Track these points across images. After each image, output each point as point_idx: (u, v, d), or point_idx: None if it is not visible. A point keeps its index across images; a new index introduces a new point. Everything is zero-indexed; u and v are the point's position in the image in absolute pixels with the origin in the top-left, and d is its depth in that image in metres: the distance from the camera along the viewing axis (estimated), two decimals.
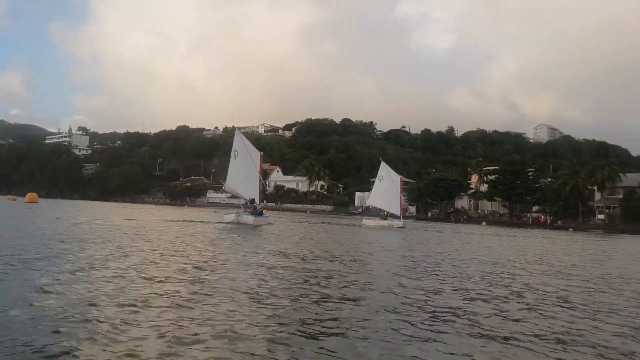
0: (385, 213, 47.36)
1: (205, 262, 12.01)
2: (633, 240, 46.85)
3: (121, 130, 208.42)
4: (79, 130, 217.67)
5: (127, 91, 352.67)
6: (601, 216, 76.89)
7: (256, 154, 37.98)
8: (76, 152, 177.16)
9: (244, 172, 36.43)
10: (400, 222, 44.90)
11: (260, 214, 35.49)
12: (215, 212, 64.31)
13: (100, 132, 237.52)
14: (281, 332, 6.26)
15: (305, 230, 32.05)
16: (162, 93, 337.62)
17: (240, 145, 37.13)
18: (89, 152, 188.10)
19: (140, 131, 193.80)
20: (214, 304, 7.49)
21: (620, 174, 76.51)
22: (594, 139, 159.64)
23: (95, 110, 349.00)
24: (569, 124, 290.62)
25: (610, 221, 73.78)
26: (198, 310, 7.03)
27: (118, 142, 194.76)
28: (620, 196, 75.49)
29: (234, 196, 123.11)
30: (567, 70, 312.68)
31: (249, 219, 32.88)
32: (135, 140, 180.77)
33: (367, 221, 47.79)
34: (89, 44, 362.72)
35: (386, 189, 47.08)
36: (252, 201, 35.15)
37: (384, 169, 47.94)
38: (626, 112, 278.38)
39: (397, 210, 46.68)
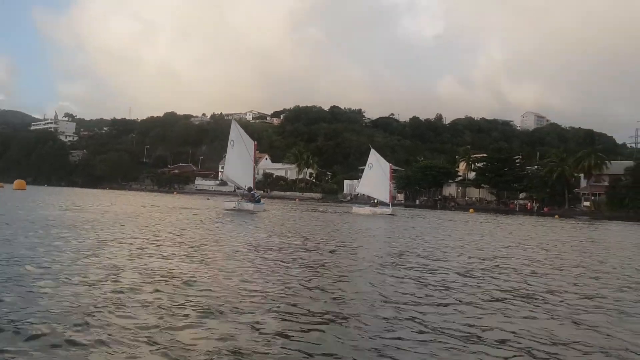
0: (375, 201, 47.66)
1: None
2: (618, 227, 47.50)
3: (108, 116, 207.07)
4: (65, 117, 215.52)
5: (113, 77, 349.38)
6: (587, 203, 77.82)
7: (250, 143, 39.27)
8: (62, 138, 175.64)
9: (239, 161, 38.14)
10: (389, 210, 45.17)
11: (258, 201, 37.54)
12: (207, 199, 64.15)
13: (87, 118, 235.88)
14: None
15: (299, 217, 33.10)
16: (149, 79, 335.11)
17: (236, 134, 38.59)
18: (76, 138, 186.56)
19: (127, 118, 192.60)
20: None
21: (606, 162, 77.42)
22: (580, 127, 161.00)
23: (81, 96, 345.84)
24: (554, 111, 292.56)
25: (595, 208, 74.71)
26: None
27: (105, 128, 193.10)
28: (606, 183, 76.41)
29: (222, 183, 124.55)
30: (553, 58, 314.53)
31: (249, 206, 35.49)
32: (122, 127, 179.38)
33: (357, 209, 48.01)
34: (72, 29, 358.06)
35: (376, 176, 47.26)
36: (250, 189, 37.47)
37: (374, 157, 48.03)
38: (611, 100, 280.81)
39: (386, 198, 46.95)
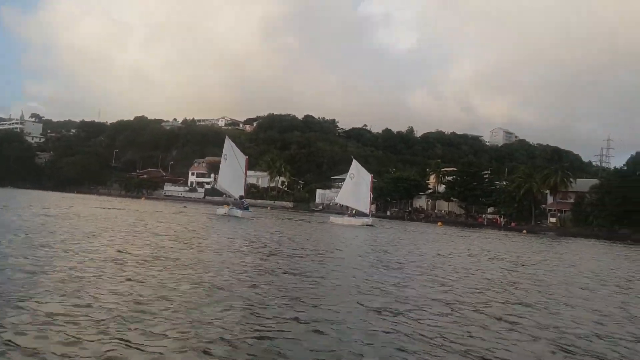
0: (353, 211, 47.93)
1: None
2: (579, 244, 48.64)
3: (77, 118, 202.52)
4: (32, 117, 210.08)
5: (82, 79, 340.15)
6: (553, 219, 79.47)
7: (242, 158, 45.22)
8: (29, 139, 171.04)
9: (232, 173, 43.68)
10: (369, 220, 45.56)
11: (247, 209, 42.78)
12: (184, 207, 63.45)
13: (55, 119, 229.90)
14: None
15: (282, 226, 34.52)
16: (119, 82, 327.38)
17: (229, 149, 44.56)
18: (43, 140, 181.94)
19: (96, 120, 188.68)
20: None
21: (572, 179, 79.29)
22: (547, 144, 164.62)
23: (49, 97, 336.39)
24: (522, 127, 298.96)
25: (561, 224, 76.38)
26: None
27: (73, 130, 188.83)
28: (572, 201, 78.17)
29: (191, 190, 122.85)
30: (521, 75, 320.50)
31: (238, 212, 40.57)
32: (91, 130, 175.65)
33: (335, 219, 48.13)
34: (40, 28, 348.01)
35: (357, 187, 47.76)
36: (241, 197, 43.00)
37: (355, 168, 48.62)
38: (577, 118, 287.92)
39: (366, 209, 47.38)
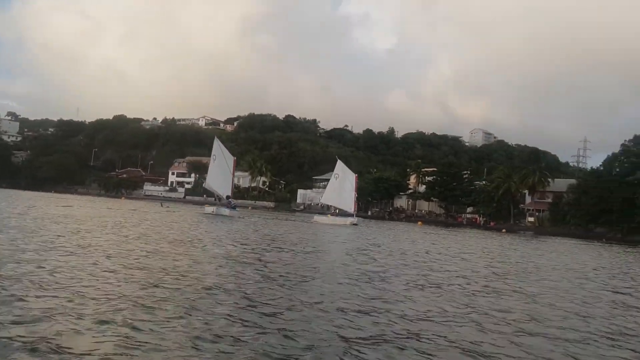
0: (337, 210, 48.23)
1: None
2: (557, 242, 49.48)
3: (54, 117, 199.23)
4: (8, 116, 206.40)
5: (58, 77, 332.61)
6: (531, 219, 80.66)
7: (230, 159, 47.24)
8: (5, 138, 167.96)
9: (220, 174, 45.70)
10: (355, 220, 45.90)
11: (234, 208, 44.99)
12: (168, 207, 63.01)
13: (32, 118, 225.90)
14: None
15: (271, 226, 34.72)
16: (96, 80, 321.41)
17: (218, 150, 46.59)
18: (19, 139, 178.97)
19: (74, 119, 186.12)
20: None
21: (550, 180, 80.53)
22: (526, 145, 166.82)
23: (25, 95, 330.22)
24: (501, 128, 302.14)
25: (539, 224, 77.55)
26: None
27: (51, 129, 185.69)
28: (549, 200, 79.43)
29: (171, 190, 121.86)
30: (499, 76, 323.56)
31: (225, 211, 42.92)
32: (69, 129, 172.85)
33: (319, 218, 48.29)
34: (12, 24, 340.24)
35: (342, 187, 48.12)
36: (228, 197, 45.14)
37: (340, 168, 48.98)
38: (553, 119, 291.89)
39: (351, 208, 47.74)
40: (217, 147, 47.28)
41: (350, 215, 47.14)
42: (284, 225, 36.28)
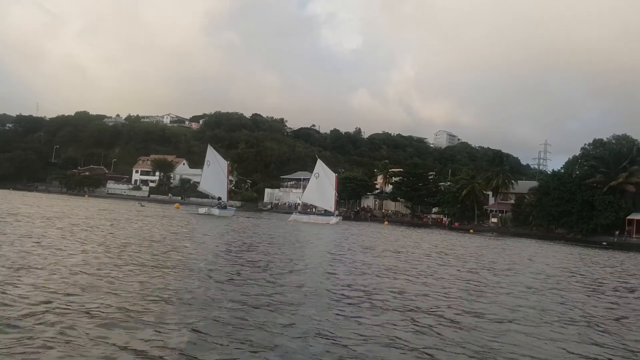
0: (314, 209, 48.51)
1: None
2: (519, 242, 50.68)
3: (12, 112, 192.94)
4: None
5: (15, 72, 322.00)
6: (495, 219, 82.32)
7: (224, 163, 51.90)
8: None
9: (215, 178, 49.94)
10: (336, 219, 46.20)
11: (225, 208, 49.19)
12: (142, 205, 63.33)
13: None
14: None
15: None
16: (56, 75, 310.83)
17: (212, 156, 50.75)
18: None
19: (34, 115, 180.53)
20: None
21: (512, 181, 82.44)
22: (489, 147, 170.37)
23: None
24: (463, 129, 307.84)
25: (502, 224, 79.25)
26: None
27: (9, 125, 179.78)
28: (512, 202, 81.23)
29: (135, 188, 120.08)
30: (459, 77, 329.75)
31: (216, 211, 46.89)
32: (28, 125, 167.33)
33: (298, 216, 48.32)
34: None
35: (322, 186, 48.34)
36: (219, 198, 49.74)
37: (321, 167, 49.32)
38: (513, 121, 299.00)
39: (331, 207, 48.04)
40: (211, 153, 51.56)
41: (331, 214, 47.49)
42: (265, 225, 36.08)
